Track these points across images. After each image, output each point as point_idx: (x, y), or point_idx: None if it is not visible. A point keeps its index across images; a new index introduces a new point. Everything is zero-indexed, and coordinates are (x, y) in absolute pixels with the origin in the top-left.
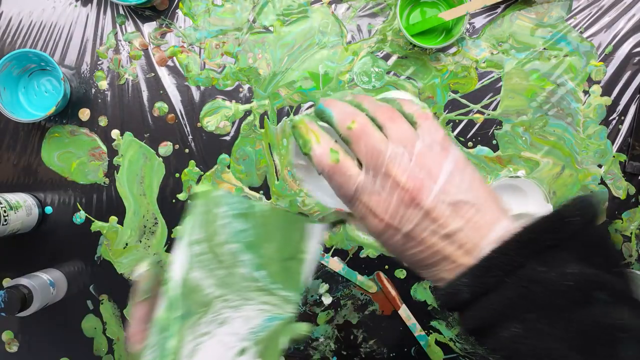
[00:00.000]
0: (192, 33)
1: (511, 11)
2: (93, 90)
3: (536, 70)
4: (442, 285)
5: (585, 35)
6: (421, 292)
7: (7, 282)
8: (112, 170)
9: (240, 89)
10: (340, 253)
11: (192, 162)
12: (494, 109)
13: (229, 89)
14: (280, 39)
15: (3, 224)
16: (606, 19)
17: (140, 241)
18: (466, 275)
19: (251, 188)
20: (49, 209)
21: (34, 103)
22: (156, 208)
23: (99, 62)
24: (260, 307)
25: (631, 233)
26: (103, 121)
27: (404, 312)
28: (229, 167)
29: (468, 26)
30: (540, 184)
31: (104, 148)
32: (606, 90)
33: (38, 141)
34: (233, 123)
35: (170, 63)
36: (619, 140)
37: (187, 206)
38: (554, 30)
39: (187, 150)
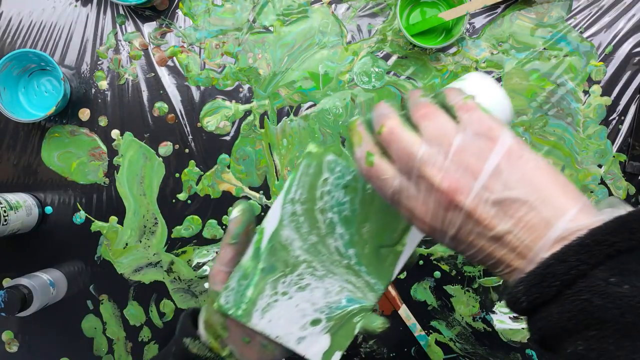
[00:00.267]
0: (192, 33)
1: (511, 11)
2: (93, 90)
3: (536, 70)
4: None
5: (585, 35)
6: (421, 292)
7: (7, 282)
8: (112, 170)
9: (240, 89)
10: None
11: (192, 162)
12: None
13: (229, 89)
14: (280, 39)
15: (3, 224)
16: (606, 19)
17: (140, 241)
18: (522, 282)
19: (251, 188)
20: (49, 209)
21: (34, 103)
22: (156, 208)
23: (99, 62)
24: (343, 284)
25: None
26: (103, 121)
27: (404, 312)
28: (229, 167)
29: (468, 26)
30: (486, 77)
31: (104, 148)
32: (606, 90)
33: (38, 141)
34: (233, 123)
35: (170, 63)
36: (619, 140)
37: (297, 165)
38: (554, 30)
39: (187, 150)
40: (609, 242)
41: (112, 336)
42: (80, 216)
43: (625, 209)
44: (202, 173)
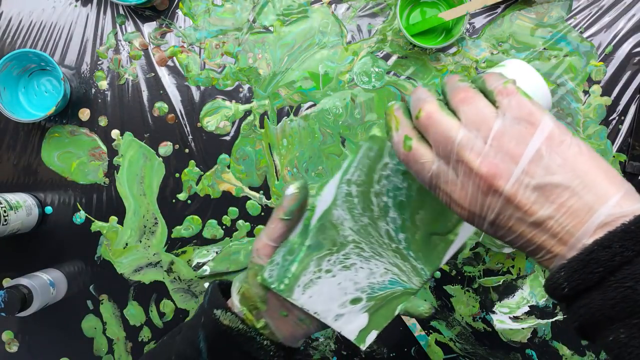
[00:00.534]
0: (192, 33)
1: (511, 11)
2: (93, 90)
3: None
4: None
5: (585, 35)
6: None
7: (7, 282)
8: (112, 170)
9: (240, 89)
10: None
11: (192, 162)
12: None
13: (229, 89)
14: (280, 39)
15: (3, 224)
16: (606, 19)
17: (140, 241)
18: (564, 268)
19: (251, 188)
20: (49, 209)
21: (34, 103)
22: (156, 208)
23: (99, 62)
24: (388, 267)
25: None
26: (103, 121)
27: None
28: (229, 167)
29: (468, 26)
30: (525, 64)
31: (104, 148)
32: (606, 90)
33: (38, 141)
34: (233, 123)
35: (170, 63)
36: (619, 140)
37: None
38: (554, 30)
39: (187, 150)
40: None
41: (112, 336)
42: (80, 216)
43: None
44: (202, 173)
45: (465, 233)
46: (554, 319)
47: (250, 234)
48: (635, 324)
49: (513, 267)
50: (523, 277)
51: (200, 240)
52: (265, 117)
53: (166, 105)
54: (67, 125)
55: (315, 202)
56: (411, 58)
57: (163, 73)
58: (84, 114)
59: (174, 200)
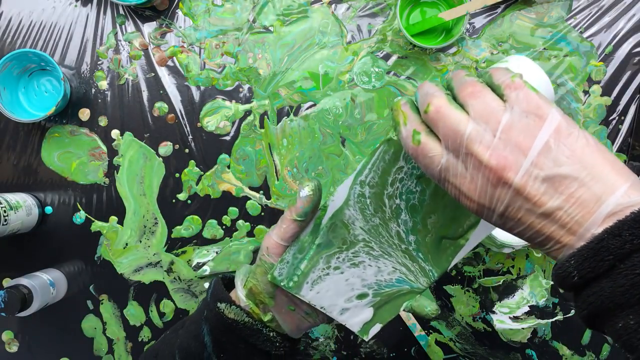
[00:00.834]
0: (192, 33)
1: (511, 11)
2: (93, 90)
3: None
4: (556, 264)
5: (585, 35)
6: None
7: (7, 282)
8: (112, 170)
9: (240, 89)
10: None
11: (192, 162)
12: None
13: (229, 89)
14: (280, 39)
15: (3, 224)
16: (606, 19)
17: (140, 241)
18: (574, 257)
19: (251, 188)
20: (49, 209)
21: (34, 103)
22: (156, 208)
23: (99, 62)
24: (396, 266)
25: None
26: (103, 121)
27: (404, 312)
28: (229, 167)
29: (468, 26)
30: (533, 61)
31: (104, 148)
32: (606, 90)
33: (38, 141)
34: (233, 123)
35: (170, 63)
36: (619, 140)
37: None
38: (554, 30)
39: (187, 150)
40: None
41: (112, 336)
42: (80, 216)
43: None
44: (202, 173)
45: (476, 238)
46: (554, 319)
47: (250, 234)
48: None
49: (513, 267)
50: (523, 277)
51: (200, 240)
52: (265, 117)
53: (166, 105)
54: (67, 125)
55: (327, 201)
56: (411, 58)
57: (163, 73)
58: (84, 114)
59: (174, 200)
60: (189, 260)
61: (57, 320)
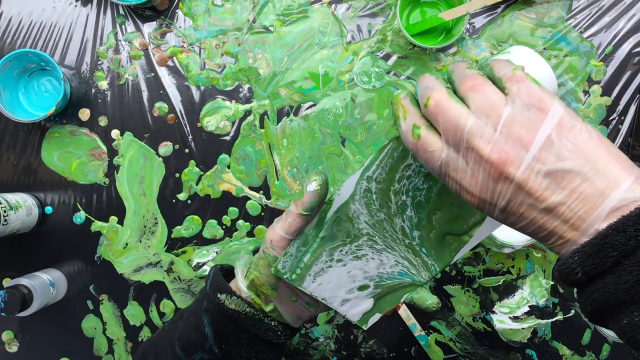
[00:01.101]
0: (192, 33)
1: (511, 11)
2: (93, 90)
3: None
4: (560, 260)
5: (585, 35)
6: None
7: (7, 282)
8: (112, 170)
9: (240, 89)
10: None
11: (192, 162)
12: None
13: (229, 89)
14: (280, 39)
15: (3, 224)
16: (606, 19)
17: (140, 241)
18: (577, 253)
19: (251, 188)
20: (49, 209)
21: (34, 103)
22: (156, 208)
23: (99, 62)
24: (399, 260)
25: None
26: (103, 121)
27: (404, 312)
28: (229, 167)
29: (468, 26)
30: (535, 52)
31: (104, 148)
32: (606, 90)
33: (38, 141)
34: (233, 123)
35: (170, 63)
36: (619, 140)
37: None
38: (554, 30)
39: (187, 150)
40: None
41: (112, 336)
42: (80, 216)
43: None
44: (202, 173)
45: (480, 235)
46: (554, 319)
47: (250, 234)
48: None
49: (513, 267)
50: (523, 277)
51: (200, 240)
52: (265, 117)
53: (166, 105)
54: (67, 125)
55: (332, 195)
56: (411, 58)
57: (163, 73)
58: (84, 114)
59: (174, 200)
60: (189, 260)
61: (57, 320)
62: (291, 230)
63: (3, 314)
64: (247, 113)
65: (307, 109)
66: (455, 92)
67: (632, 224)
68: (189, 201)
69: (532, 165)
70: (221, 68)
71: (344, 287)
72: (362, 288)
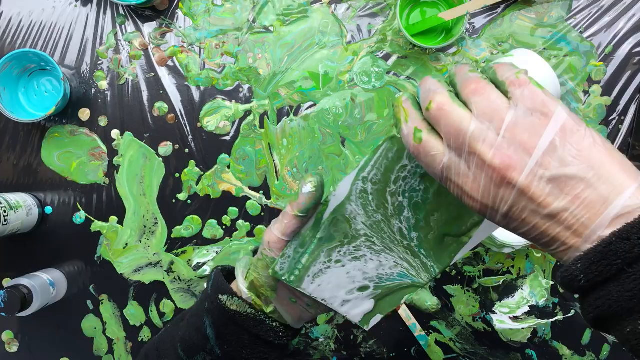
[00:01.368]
0: (192, 33)
1: (511, 11)
2: (93, 90)
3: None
4: (562, 267)
5: (585, 35)
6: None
7: (7, 282)
8: (112, 170)
9: (240, 89)
10: None
11: (192, 162)
12: None
13: (229, 89)
14: (280, 39)
15: (3, 224)
16: (606, 19)
17: (140, 241)
18: (580, 260)
19: (251, 188)
20: (49, 209)
21: (34, 103)
22: (156, 208)
23: (99, 62)
24: (398, 261)
25: None
26: (103, 121)
27: (404, 312)
28: (229, 167)
29: (468, 26)
30: (538, 55)
31: (104, 148)
32: (606, 90)
33: (38, 141)
34: (233, 123)
35: (170, 63)
36: (619, 140)
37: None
38: (554, 30)
39: (187, 150)
40: None
41: (112, 336)
42: (80, 216)
43: None
44: (202, 173)
45: (480, 236)
46: (554, 319)
47: (250, 234)
48: None
49: (513, 267)
50: (523, 277)
51: (200, 240)
52: (265, 117)
53: (166, 105)
54: (67, 125)
55: (328, 196)
56: (411, 58)
57: (163, 73)
58: (84, 114)
59: (174, 200)
60: (189, 260)
61: (57, 320)
62: (287, 231)
63: (3, 314)
64: (247, 113)
65: (307, 109)
66: (457, 95)
67: (636, 232)
68: (189, 201)
69: (535, 170)
70: (221, 68)
71: (343, 288)
72: (362, 289)
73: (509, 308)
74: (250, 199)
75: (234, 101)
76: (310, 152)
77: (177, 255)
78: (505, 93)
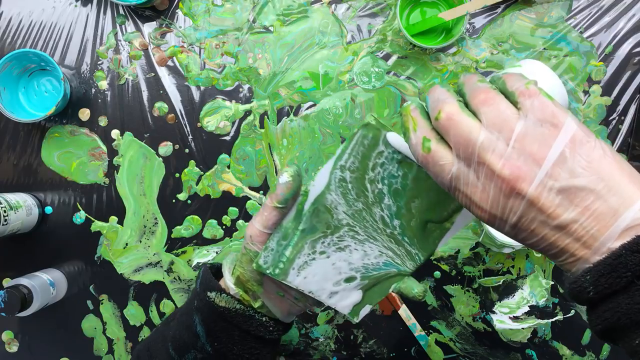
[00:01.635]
0: (192, 33)
1: (511, 11)
2: (93, 90)
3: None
4: (571, 278)
5: (585, 35)
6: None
7: (7, 282)
8: (112, 170)
9: (240, 89)
10: None
11: (192, 162)
12: None
13: (229, 89)
14: (280, 39)
15: (3, 224)
16: (606, 19)
17: (140, 241)
18: (590, 272)
19: (251, 188)
20: (49, 209)
21: (34, 103)
22: (156, 208)
23: (99, 62)
24: (383, 250)
25: None
26: (103, 121)
27: (404, 312)
28: (229, 167)
29: (468, 26)
30: (546, 65)
31: (104, 148)
32: (606, 90)
33: (38, 141)
34: (233, 123)
35: (170, 63)
36: (619, 140)
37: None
38: (554, 30)
39: (187, 150)
40: None
41: (112, 336)
42: (80, 216)
43: None
44: (202, 173)
45: (462, 222)
46: (554, 319)
47: None
48: None
49: (513, 267)
50: (523, 277)
51: (200, 240)
52: (265, 117)
53: (166, 105)
54: (67, 125)
55: (308, 187)
56: (411, 58)
57: (163, 73)
58: (84, 114)
59: (174, 200)
60: (189, 260)
61: (57, 320)
62: (268, 224)
63: (3, 314)
64: (247, 113)
65: (307, 109)
66: (466, 105)
67: None
68: (189, 201)
69: (544, 181)
70: (221, 68)
71: (330, 279)
72: (348, 280)
73: (509, 308)
74: (250, 199)
75: (234, 101)
76: (310, 152)
77: (177, 255)
78: (514, 103)
